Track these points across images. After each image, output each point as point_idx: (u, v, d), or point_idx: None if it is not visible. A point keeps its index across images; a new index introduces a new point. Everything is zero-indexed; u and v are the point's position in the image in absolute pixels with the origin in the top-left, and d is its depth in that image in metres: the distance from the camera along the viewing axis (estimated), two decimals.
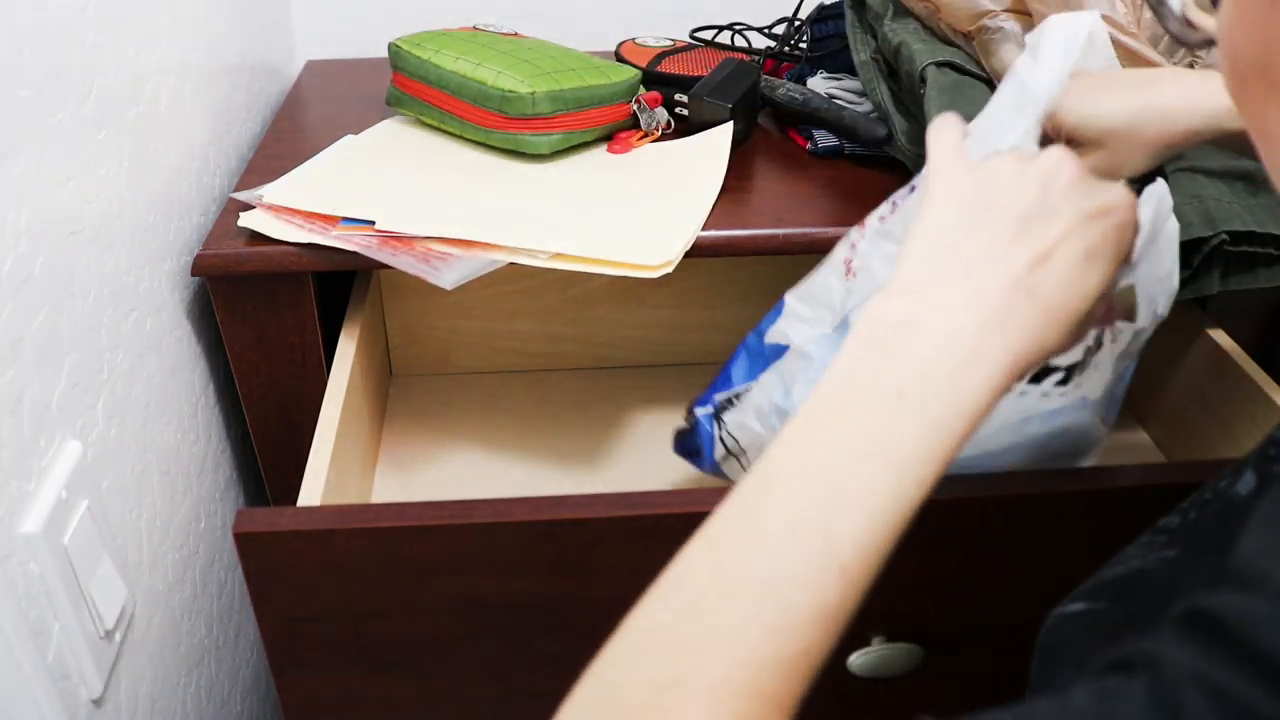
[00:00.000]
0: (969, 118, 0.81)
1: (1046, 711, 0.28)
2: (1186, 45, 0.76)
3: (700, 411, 0.73)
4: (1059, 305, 0.41)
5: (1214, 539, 0.38)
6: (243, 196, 0.81)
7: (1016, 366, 0.39)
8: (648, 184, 0.87)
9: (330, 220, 0.79)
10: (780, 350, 0.68)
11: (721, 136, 0.91)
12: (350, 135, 0.94)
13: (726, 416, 0.71)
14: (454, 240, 0.77)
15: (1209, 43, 0.33)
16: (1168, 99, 0.60)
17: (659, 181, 0.87)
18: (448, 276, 0.73)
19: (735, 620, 0.35)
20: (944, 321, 0.39)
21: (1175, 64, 0.76)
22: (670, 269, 0.73)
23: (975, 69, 0.85)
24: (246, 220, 0.79)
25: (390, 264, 0.74)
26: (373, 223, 0.78)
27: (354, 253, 0.76)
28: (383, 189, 0.85)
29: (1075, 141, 0.61)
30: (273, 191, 0.83)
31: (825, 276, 0.66)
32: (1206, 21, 0.33)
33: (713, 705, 0.33)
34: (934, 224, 0.43)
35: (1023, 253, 0.41)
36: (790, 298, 0.68)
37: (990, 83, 0.85)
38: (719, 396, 0.72)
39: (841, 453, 0.37)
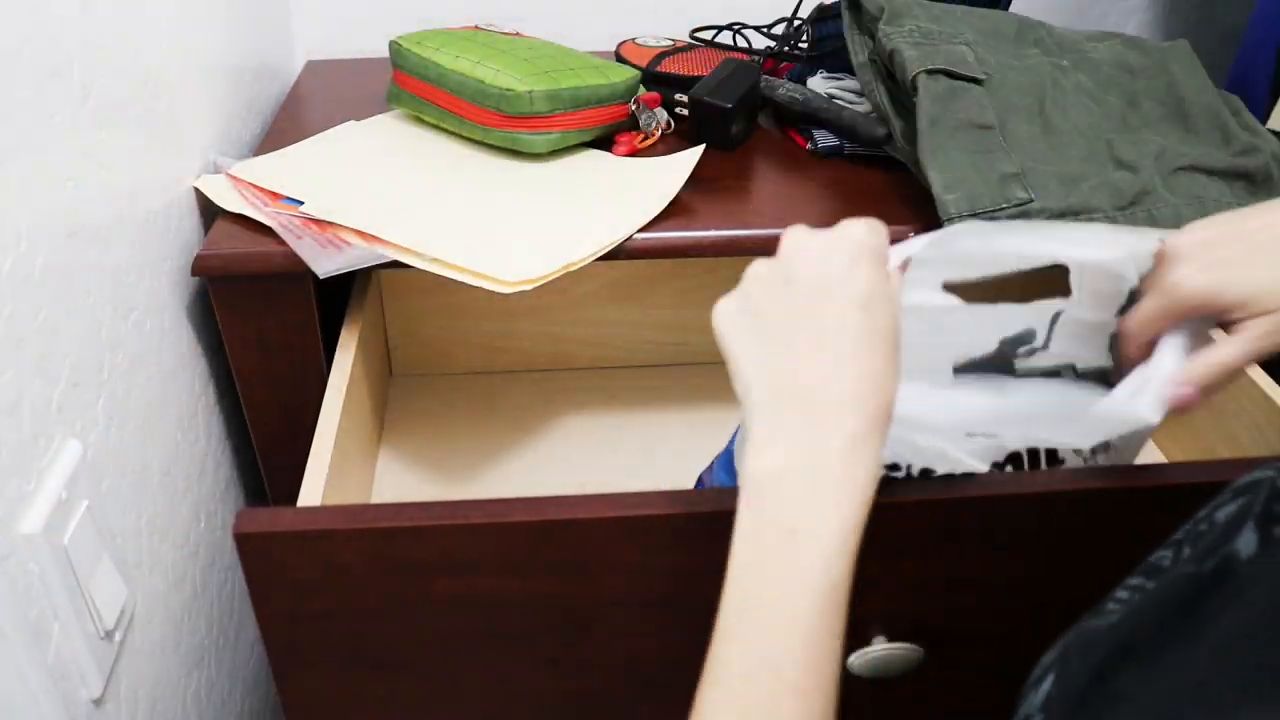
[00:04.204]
0: (961, 124, 0.82)
1: None
2: None
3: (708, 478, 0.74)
4: (883, 399, 0.45)
5: (1209, 606, 0.37)
6: (215, 162, 0.84)
7: (870, 450, 0.44)
8: (588, 198, 0.85)
9: (274, 197, 0.81)
10: None
11: (683, 163, 0.88)
12: (352, 121, 0.95)
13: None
14: (356, 231, 0.78)
15: None
16: None
17: (600, 198, 0.85)
18: (326, 265, 0.74)
19: None
20: (803, 460, 0.44)
21: None
22: (527, 287, 0.72)
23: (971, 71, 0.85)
24: (202, 183, 0.81)
25: (291, 245, 0.75)
26: (303, 203, 0.80)
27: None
28: (338, 177, 0.86)
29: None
30: (242, 165, 0.85)
31: None
32: None
33: None
34: (760, 355, 0.46)
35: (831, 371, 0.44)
36: None
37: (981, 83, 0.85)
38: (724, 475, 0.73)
39: (760, 599, 0.42)
